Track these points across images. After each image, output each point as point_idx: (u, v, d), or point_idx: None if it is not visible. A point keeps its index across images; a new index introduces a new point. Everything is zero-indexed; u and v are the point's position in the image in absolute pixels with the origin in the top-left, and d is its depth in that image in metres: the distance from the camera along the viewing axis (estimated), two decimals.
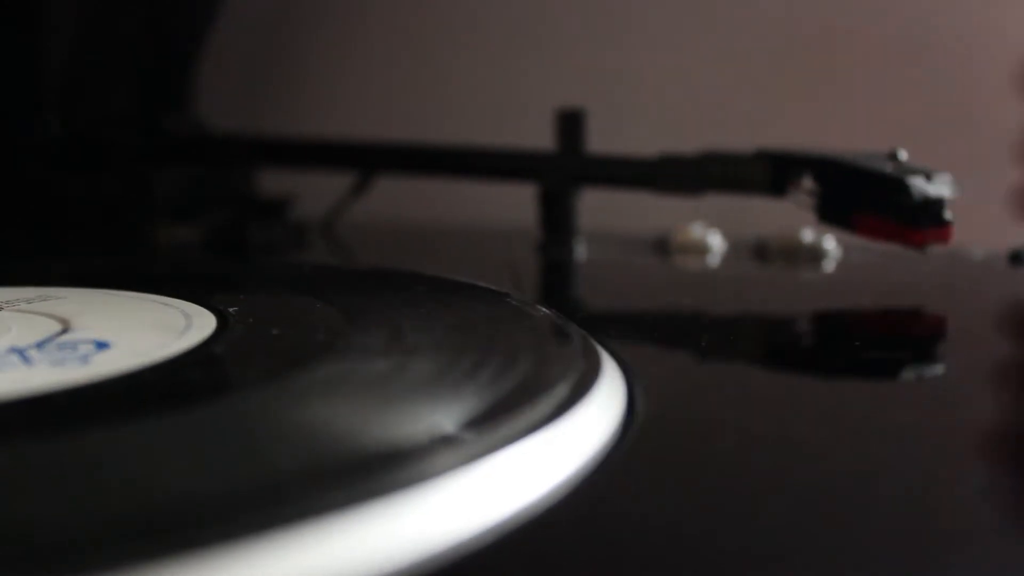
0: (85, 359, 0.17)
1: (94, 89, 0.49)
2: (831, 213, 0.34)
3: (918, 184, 0.31)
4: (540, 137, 0.47)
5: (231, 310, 0.21)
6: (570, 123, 0.43)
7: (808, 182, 0.35)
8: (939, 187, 0.31)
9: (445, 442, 0.13)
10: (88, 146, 0.46)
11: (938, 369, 0.21)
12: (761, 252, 0.40)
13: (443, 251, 0.41)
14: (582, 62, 0.59)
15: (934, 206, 0.31)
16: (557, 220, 0.41)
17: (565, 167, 0.42)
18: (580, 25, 0.59)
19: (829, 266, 0.37)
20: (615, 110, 0.54)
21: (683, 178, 0.38)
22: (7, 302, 0.23)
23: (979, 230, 0.48)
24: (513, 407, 0.15)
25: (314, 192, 0.50)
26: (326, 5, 0.67)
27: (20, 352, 0.18)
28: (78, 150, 0.46)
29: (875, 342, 0.23)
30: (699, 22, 0.56)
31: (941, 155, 0.49)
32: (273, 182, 0.52)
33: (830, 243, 0.39)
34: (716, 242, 0.41)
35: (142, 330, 0.20)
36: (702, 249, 0.41)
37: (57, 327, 0.20)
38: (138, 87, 0.51)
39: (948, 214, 0.31)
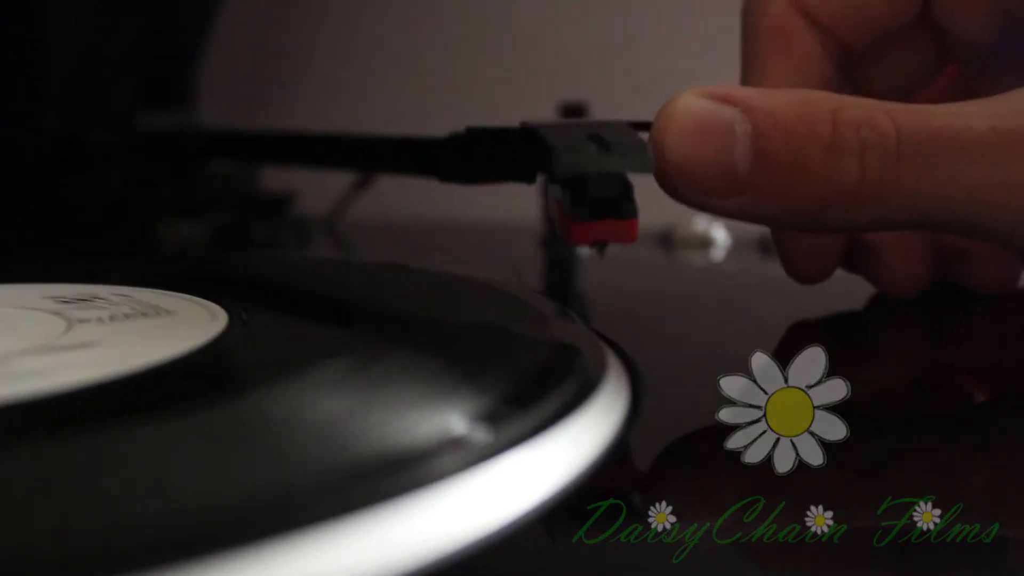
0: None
1: (95, 89, 0.49)
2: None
3: (572, 144, 0.20)
4: None
5: (239, 308, 0.21)
6: (573, 116, 0.43)
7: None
8: (618, 159, 0.19)
9: (448, 444, 0.13)
10: (75, 145, 0.46)
11: (942, 364, 0.21)
12: (765, 246, 0.40)
13: (447, 247, 0.41)
14: (585, 57, 0.59)
15: (602, 185, 0.20)
16: None
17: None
18: (583, 18, 0.59)
19: None
20: (620, 102, 0.54)
21: (460, 164, 0.26)
22: (14, 300, 0.23)
23: None
24: (517, 406, 0.15)
25: (316, 189, 0.50)
26: (326, 7, 0.67)
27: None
28: (65, 149, 0.46)
29: (881, 336, 0.23)
30: (705, 14, 0.55)
31: None
32: (275, 179, 0.52)
33: None
34: (720, 236, 0.41)
35: (148, 328, 0.20)
36: (706, 243, 0.41)
37: (63, 325, 0.20)
38: (138, 87, 0.51)
39: (630, 199, 0.20)
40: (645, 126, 0.21)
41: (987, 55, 0.24)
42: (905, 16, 0.24)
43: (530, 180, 0.22)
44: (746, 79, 0.25)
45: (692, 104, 0.19)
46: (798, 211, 0.19)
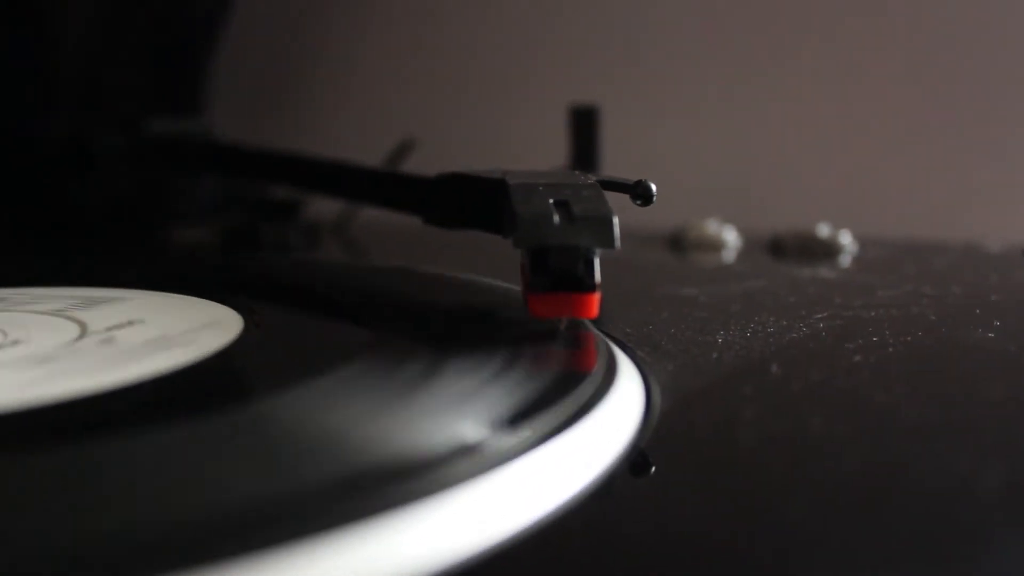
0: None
1: (104, 93, 0.50)
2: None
3: (537, 212, 0.19)
4: (554, 134, 0.47)
5: (253, 313, 0.21)
6: (584, 119, 0.43)
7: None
8: (582, 233, 0.19)
9: (464, 449, 0.13)
10: (84, 148, 0.46)
11: (951, 364, 0.21)
12: (776, 247, 0.40)
13: (456, 249, 0.41)
14: (595, 63, 0.59)
15: (563, 258, 0.19)
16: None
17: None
18: (593, 25, 0.59)
19: (845, 261, 0.37)
20: (628, 106, 0.54)
21: (441, 207, 0.26)
22: (26, 303, 0.23)
23: (997, 223, 0.48)
24: (532, 410, 0.15)
25: None
26: (334, 14, 0.67)
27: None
28: (74, 152, 0.46)
29: (890, 337, 0.23)
30: (710, 17, 0.55)
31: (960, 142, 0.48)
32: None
33: (846, 238, 0.39)
34: (731, 238, 0.41)
35: (159, 332, 0.20)
36: (717, 245, 0.41)
37: (75, 331, 0.20)
38: (147, 92, 0.51)
39: (591, 273, 0.19)
40: (621, 186, 0.21)
41: None
42: None
43: (504, 235, 0.22)
44: None
45: None
46: None
